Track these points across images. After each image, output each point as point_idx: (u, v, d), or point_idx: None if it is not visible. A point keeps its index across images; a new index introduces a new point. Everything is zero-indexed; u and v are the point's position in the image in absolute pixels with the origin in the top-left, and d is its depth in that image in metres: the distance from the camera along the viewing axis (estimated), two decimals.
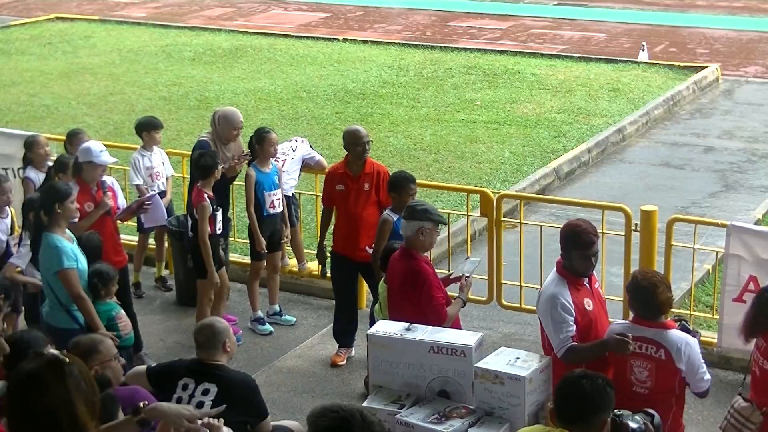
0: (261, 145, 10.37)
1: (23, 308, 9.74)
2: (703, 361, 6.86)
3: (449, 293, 8.05)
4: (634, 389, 6.89)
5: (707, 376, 6.86)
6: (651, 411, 5.67)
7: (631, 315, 7.10)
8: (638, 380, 6.89)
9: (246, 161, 10.48)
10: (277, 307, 10.89)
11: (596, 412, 5.03)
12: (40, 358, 4.15)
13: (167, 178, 11.54)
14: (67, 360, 4.14)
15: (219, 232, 10.13)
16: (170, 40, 24.18)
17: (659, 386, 6.85)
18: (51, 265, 8.33)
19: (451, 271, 8.87)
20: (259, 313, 10.75)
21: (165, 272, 11.83)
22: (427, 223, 7.82)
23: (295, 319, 10.87)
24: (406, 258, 7.87)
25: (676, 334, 6.81)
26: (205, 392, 6.52)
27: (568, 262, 7.13)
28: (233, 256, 11.68)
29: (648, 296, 6.85)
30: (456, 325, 7.85)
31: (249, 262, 11.05)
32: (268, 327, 10.69)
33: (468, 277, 8.17)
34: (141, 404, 4.71)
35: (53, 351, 4.49)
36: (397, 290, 7.89)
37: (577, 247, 7.08)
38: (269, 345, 10.43)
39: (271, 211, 10.52)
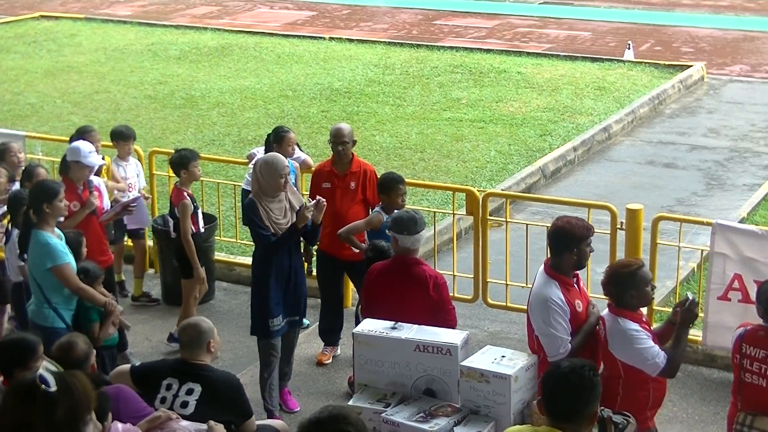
0: (279, 144, 10.33)
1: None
2: (647, 346, 6.67)
3: None
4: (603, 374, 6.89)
5: (652, 360, 6.65)
6: (627, 413, 5.66)
7: None
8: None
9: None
10: None
11: (587, 405, 4.98)
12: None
13: (139, 191, 11.32)
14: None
15: (202, 230, 10.13)
16: (156, 38, 24.13)
17: (606, 368, 6.76)
18: (42, 262, 8.29)
19: None
20: None
21: (157, 279, 11.78)
22: (423, 231, 7.91)
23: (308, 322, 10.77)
24: (414, 264, 7.87)
25: (620, 320, 6.73)
26: (190, 392, 6.50)
27: (575, 258, 7.03)
28: (219, 255, 11.66)
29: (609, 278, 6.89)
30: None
31: (234, 260, 11.04)
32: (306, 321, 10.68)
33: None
34: None
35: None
36: (406, 298, 7.73)
37: (584, 239, 7.05)
38: (254, 344, 10.38)
39: None
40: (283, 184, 8.59)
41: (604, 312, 6.94)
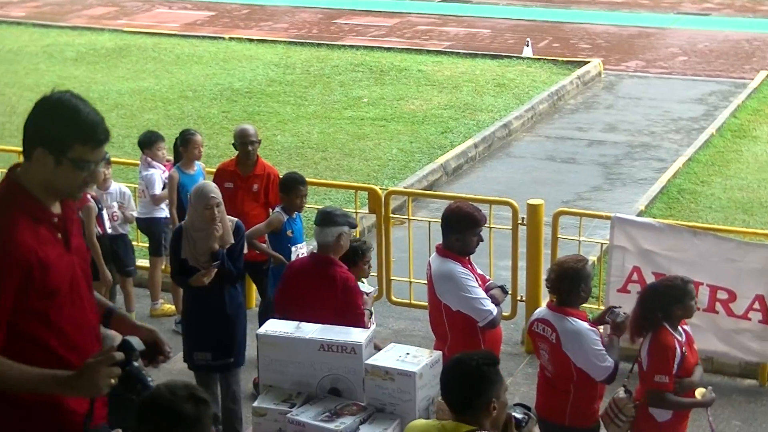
0: (186, 147, 10.24)
1: None
2: (599, 348, 6.92)
3: None
4: (545, 374, 7.12)
5: (604, 363, 6.89)
6: (525, 404, 5.73)
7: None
8: (544, 364, 7.14)
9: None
10: None
11: (479, 395, 5.00)
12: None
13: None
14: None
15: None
16: (51, 39, 23.75)
17: (557, 370, 7.00)
18: None
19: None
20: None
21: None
22: (346, 227, 7.77)
23: None
24: (328, 264, 7.65)
25: (571, 321, 6.95)
26: None
27: (460, 243, 7.36)
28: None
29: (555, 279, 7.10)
30: None
31: (146, 265, 10.95)
32: None
33: (369, 293, 8.18)
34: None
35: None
36: (317, 297, 7.60)
37: (474, 227, 7.37)
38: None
39: None
40: (209, 217, 7.95)
41: (546, 314, 7.11)
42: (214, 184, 8.45)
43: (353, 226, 7.95)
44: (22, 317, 4.32)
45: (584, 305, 10.27)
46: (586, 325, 6.96)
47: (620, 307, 7.35)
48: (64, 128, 4.28)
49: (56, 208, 4.47)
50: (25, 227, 4.29)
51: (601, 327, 7.33)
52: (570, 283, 6.97)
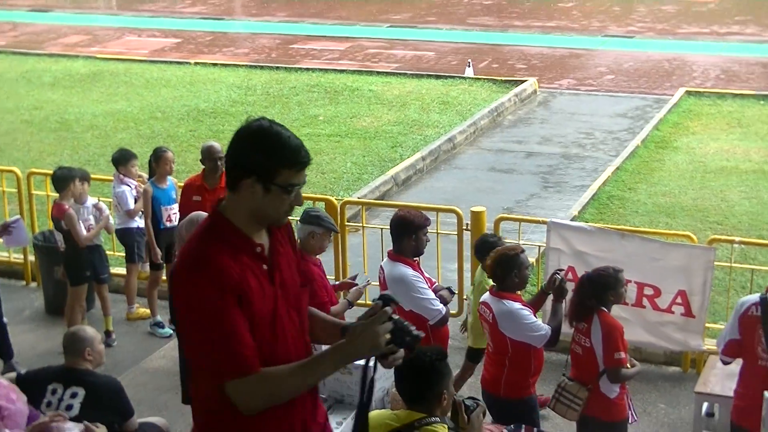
0: (158, 163, 10.24)
1: None
2: (531, 321, 7.05)
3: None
4: (489, 350, 7.30)
5: (539, 332, 7.02)
6: (476, 397, 5.81)
7: None
8: (488, 341, 7.31)
9: None
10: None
11: (430, 387, 5.08)
12: None
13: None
14: None
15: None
16: (29, 66, 23.58)
17: (495, 346, 7.20)
18: None
19: (349, 278, 8.96)
20: (159, 318, 10.55)
21: (39, 291, 11.50)
22: (317, 228, 7.82)
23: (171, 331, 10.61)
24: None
25: (505, 303, 7.09)
26: (73, 395, 6.42)
27: (415, 243, 7.52)
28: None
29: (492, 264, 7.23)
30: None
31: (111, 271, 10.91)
32: (168, 330, 10.46)
33: (362, 285, 8.27)
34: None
35: None
36: None
37: (424, 226, 7.55)
38: (135, 348, 10.27)
39: (168, 224, 10.33)
40: None
41: (486, 297, 7.26)
42: (205, 213, 8.43)
43: (329, 230, 7.91)
44: None
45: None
46: (518, 305, 7.11)
47: (562, 271, 7.55)
48: (270, 155, 3.99)
49: (260, 238, 4.07)
50: (227, 254, 3.92)
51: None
52: (503, 268, 7.12)
